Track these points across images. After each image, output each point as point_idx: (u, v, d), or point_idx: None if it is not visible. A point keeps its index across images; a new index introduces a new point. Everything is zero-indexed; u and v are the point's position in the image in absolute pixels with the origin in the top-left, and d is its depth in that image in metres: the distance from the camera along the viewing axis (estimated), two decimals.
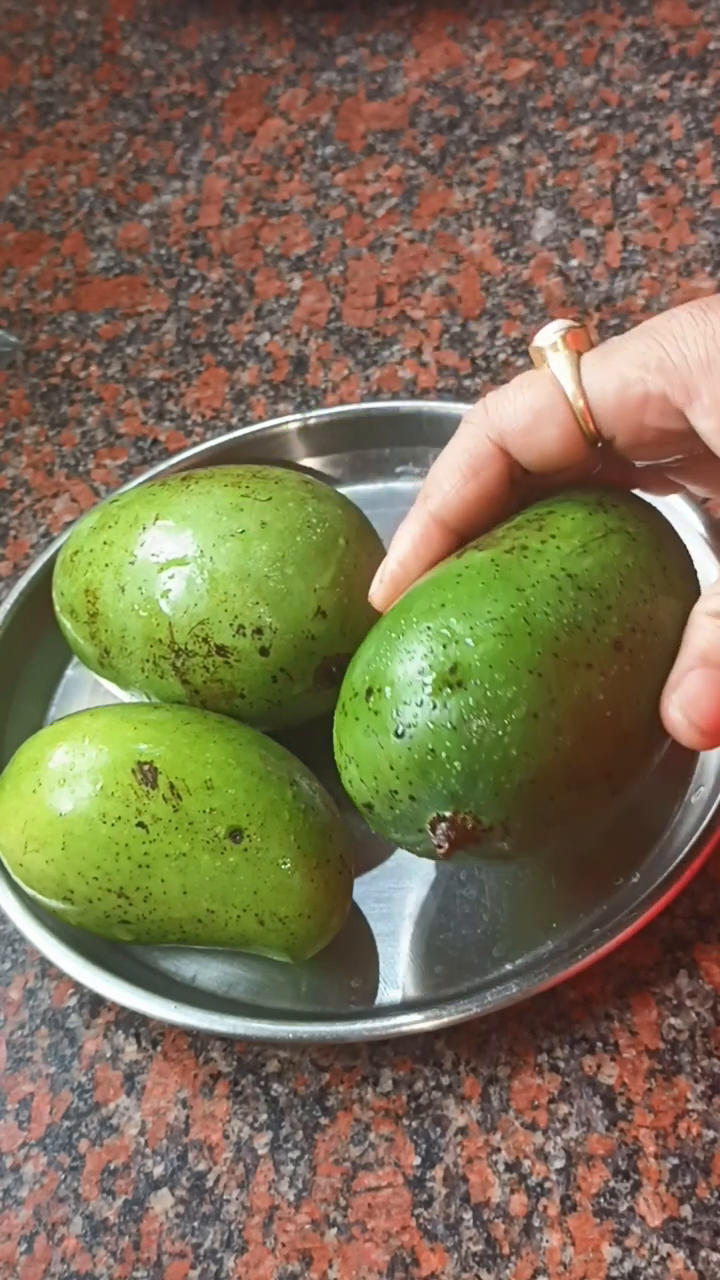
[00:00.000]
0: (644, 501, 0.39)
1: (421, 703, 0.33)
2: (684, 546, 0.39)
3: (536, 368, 0.37)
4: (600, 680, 0.34)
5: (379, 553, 0.44)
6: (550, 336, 0.37)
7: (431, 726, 0.33)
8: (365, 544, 0.43)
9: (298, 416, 0.55)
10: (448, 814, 0.34)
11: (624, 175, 0.65)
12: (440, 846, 0.34)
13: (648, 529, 0.37)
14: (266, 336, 0.62)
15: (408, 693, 0.34)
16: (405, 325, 0.61)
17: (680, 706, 0.35)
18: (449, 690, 0.33)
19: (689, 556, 0.39)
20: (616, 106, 0.69)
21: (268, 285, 0.64)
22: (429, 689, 0.33)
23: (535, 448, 0.37)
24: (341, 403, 0.58)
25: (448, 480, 0.38)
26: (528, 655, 0.33)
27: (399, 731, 0.34)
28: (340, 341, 0.61)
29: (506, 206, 0.65)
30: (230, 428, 0.58)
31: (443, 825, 0.34)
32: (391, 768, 0.34)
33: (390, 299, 0.62)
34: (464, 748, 0.33)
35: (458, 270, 0.63)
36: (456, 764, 0.33)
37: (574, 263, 0.62)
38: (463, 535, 0.38)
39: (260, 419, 0.58)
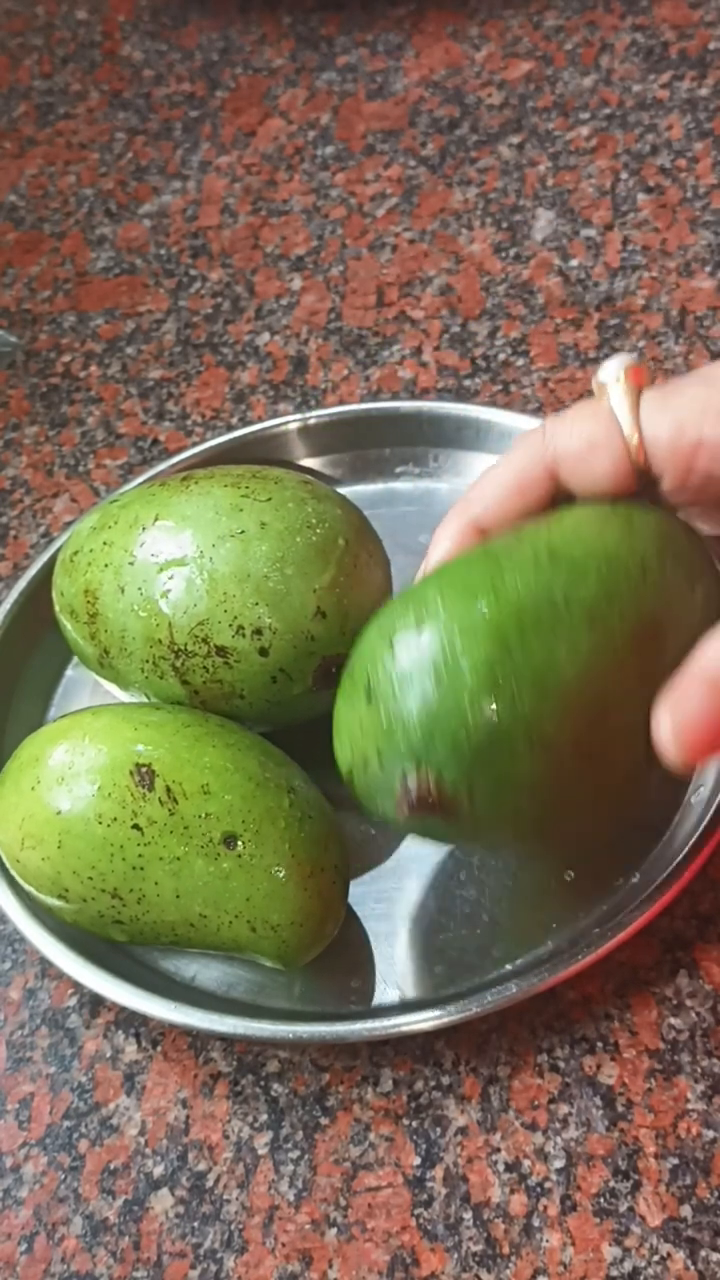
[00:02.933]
0: (672, 515, 0.39)
1: (385, 664, 0.34)
2: (706, 556, 0.38)
3: (597, 399, 0.38)
4: (566, 648, 0.33)
5: (379, 553, 0.44)
6: (613, 371, 0.38)
7: (395, 682, 0.34)
8: (365, 544, 0.43)
9: (298, 416, 0.55)
10: (412, 770, 0.34)
11: (624, 175, 0.65)
12: (399, 806, 0.34)
13: (656, 521, 0.37)
14: (266, 336, 0.62)
15: (377, 654, 0.34)
16: (405, 325, 0.61)
17: (674, 725, 0.34)
18: (412, 647, 0.34)
19: (710, 565, 0.38)
20: (616, 106, 0.69)
21: (268, 285, 0.64)
22: (395, 648, 0.34)
23: (585, 476, 0.38)
24: (341, 403, 0.58)
25: (493, 493, 0.39)
26: (490, 616, 0.33)
27: (368, 694, 0.34)
28: (340, 341, 0.61)
29: (506, 206, 0.65)
30: (230, 428, 0.58)
31: (407, 782, 0.34)
32: (362, 731, 0.35)
33: (390, 299, 0.62)
34: (422, 701, 0.33)
35: (458, 270, 0.63)
36: (415, 718, 0.33)
37: (574, 263, 0.62)
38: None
39: (260, 419, 0.58)
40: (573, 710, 0.34)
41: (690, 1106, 0.38)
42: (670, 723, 0.33)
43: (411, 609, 0.35)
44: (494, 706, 0.33)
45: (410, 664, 0.34)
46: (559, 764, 0.34)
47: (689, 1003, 0.40)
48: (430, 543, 0.41)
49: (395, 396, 0.58)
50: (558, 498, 0.39)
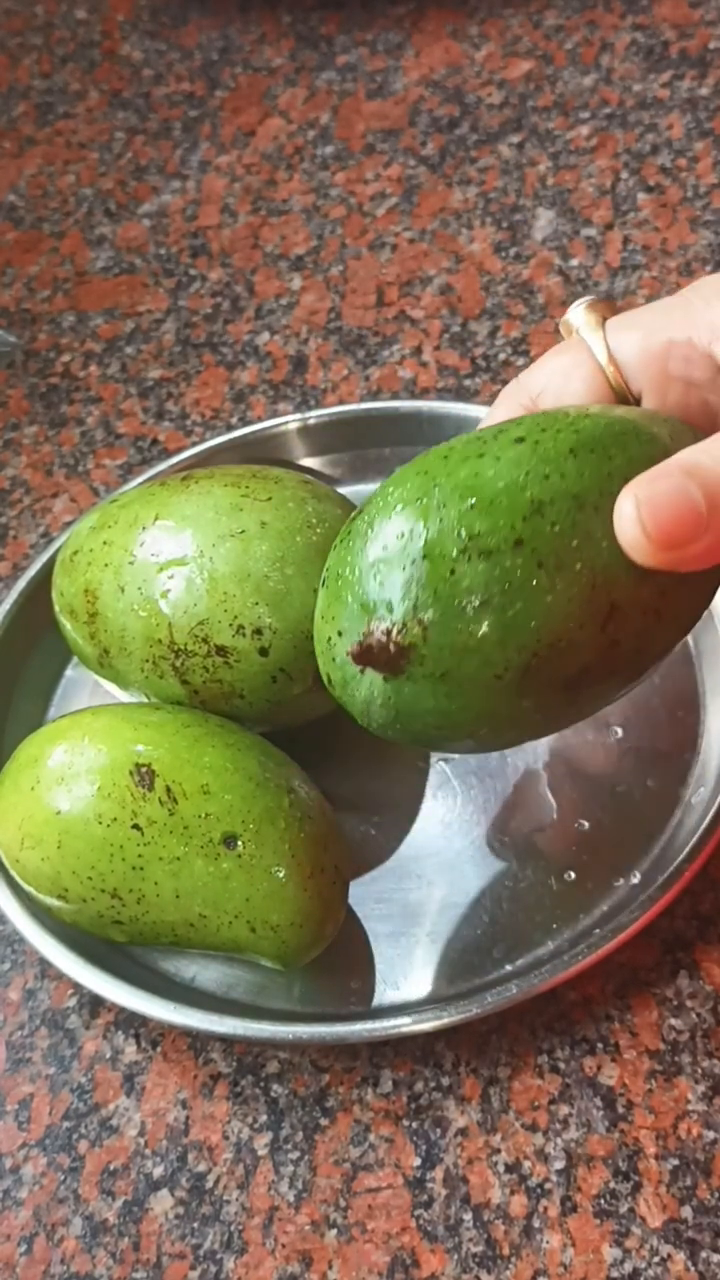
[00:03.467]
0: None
1: (335, 547, 0.35)
2: (682, 425, 0.36)
3: (566, 338, 0.38)
4: (493, 462, 0.33)
5: None
6: (577, 307, 0.37)
7: (338, 553, 0.34)
8: None
9: (297, 416, 0.54)
10: (363, 628, 0.33)
11: (624, 175, 0.65)
12: (350, 651, 0.33)
13: (637, 412, 0.36)
14: (266, 336, 0.62)
15: (333, 550, 0.35)
16: (405, 325, 0.61)
17: (637, 500, 0.31)
18: (352, 520, 0.35)
19: (683, 427, 0.36)
20: (617, 106, 0.69)
21: (267, 285, 0.64)
22: (342, 533, 0.35)
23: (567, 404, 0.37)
24: (341, 402, 0.58)
25: None
26: (418, 464, 0.34)
27: (323, 580, 0.35)
28: (340, 341, 0.61)
29: (506, 206, 0.65)
30: (230, 427, 0.58)
31: (367, 638, 0.33)
32: (324, 619, 0.35)
33: (390, 299, 0.62)
34: (359, 551, 0.33)
35: (458, 270, 0.63)
36: (356, 570, 0.33)
37: (574, 262, 0.62)
38: None
39: (260, 419, 0.58)
40: (498, 506, 0.32)
41: (691, 1107, 0.38)
42: (634, 503, 0.31)
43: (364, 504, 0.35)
44: (421, 525, 0.32)
45: (351, 532, 0.34)
46: (498, 561, 0.32)
47: (689, 1004, 0.40)
48: None
49: (395, 396, 0.58)
50: None
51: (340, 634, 0.34)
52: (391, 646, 0.32)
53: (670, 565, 0.31)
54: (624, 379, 0.36)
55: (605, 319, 0.37)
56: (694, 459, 0.31)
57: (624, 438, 0.34)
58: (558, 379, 0.37)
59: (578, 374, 0.37)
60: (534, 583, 0.32)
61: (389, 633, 0.32)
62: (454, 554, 0.32)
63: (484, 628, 0.32)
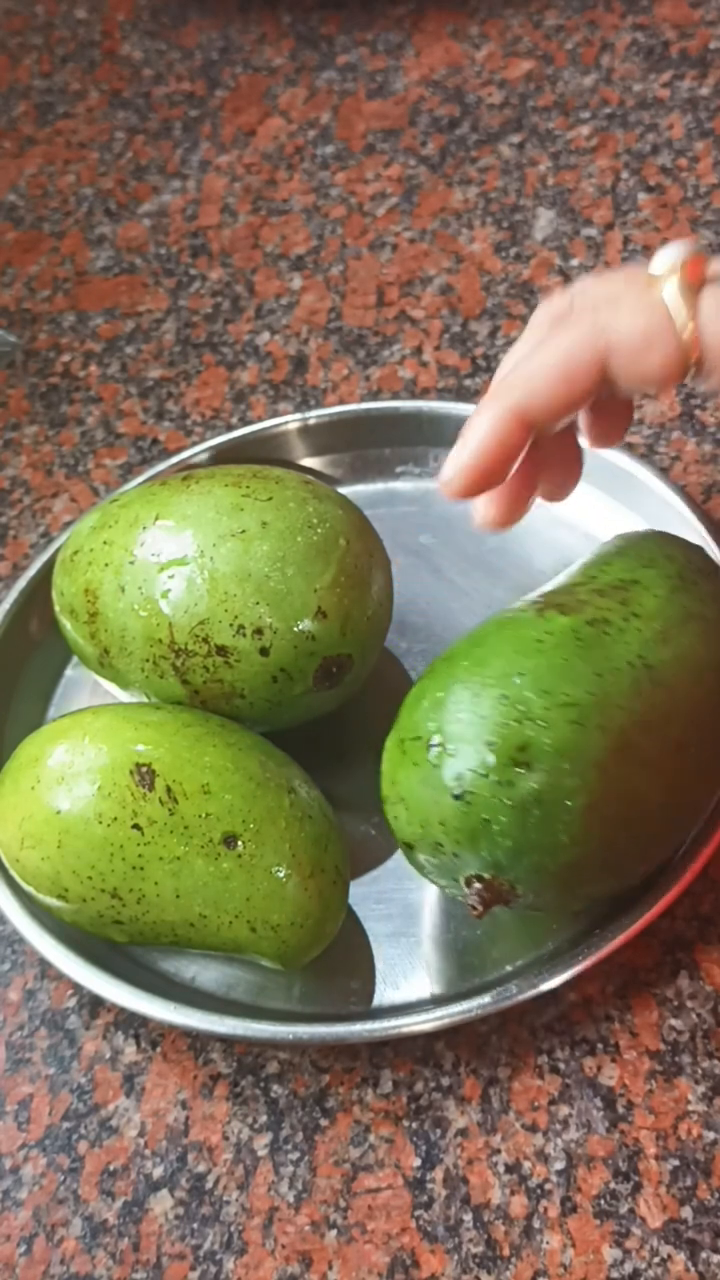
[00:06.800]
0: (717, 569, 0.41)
1: (486, 774, 0.34)
2: None
3: (647, 288, 0.35)
4: (657, 780, 0.35)
5: (380, 553, 0.44)
6: (668, 261, 0.35)
7: (491, 799, 0.34)
8: (365, 544, 0.43)
9: (298, 416, 0.54)
10: (487, 877, 0.35)
11: (624, 175, 0.65)
12: (474, 908, 0.35)
13: (717, 610, 0.39)
14: (266, 336, 0.62)
15: (473, 759, 0.34)
16: (405, 325, 0.61)
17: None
18: (515, 768, 0.34)
19: None
20: (617, 106, 0.69)
21: (268, 285, 0.64)
22: (496, 761, 0.34)
23: (637, 372, 0.35)
24: (341, 403, 0.58)
25: (542, 378, 0.36)
26: (596, 748, 0.34)
27: (457, 794, 0.34)
28: (340, 341, 0.61)
29: (507, 206, 0.65)
30: (230, 427, 0.58)
31: (478, 885, 0.35)
32: (442, 824, 0.35)
33: (390, 299, 0.62)
34: (518, 828, 0.34)
35: (458, 270, 0.63)
36: (508, 840, 0.34)
37: (574, 262, 0.62)
38: (534, 441, 0.37)
39: (260, 419, 0.58)
40: (648, 833, 0.37)
41: (691, 1108, 0.38)
42: None
43: (515, 719, 0.34)
44: (584, 844, 0.35)
45: (514, 789, 0.34)
46: (623, 874, 0.38)
47: (690, 1004, 0.40)
48: (466, 427, 0.37)
49: (395, 396, 0.58)
50: (602, 391, 0.36)
51: (456, 855, 0.35)
52: (503, 892, 0.36)
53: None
54: (702, 360, 0.35)
55: (698, 287, 0.35)
56: None
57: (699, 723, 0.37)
58: (638, 342, 0.35)
59: (659, 348, 0.35)
60: (627, 869, 0.38)
61: (512, 889, 0.35)
62: (598, 869, 0.36)
63: (581, 905, 0.39)
